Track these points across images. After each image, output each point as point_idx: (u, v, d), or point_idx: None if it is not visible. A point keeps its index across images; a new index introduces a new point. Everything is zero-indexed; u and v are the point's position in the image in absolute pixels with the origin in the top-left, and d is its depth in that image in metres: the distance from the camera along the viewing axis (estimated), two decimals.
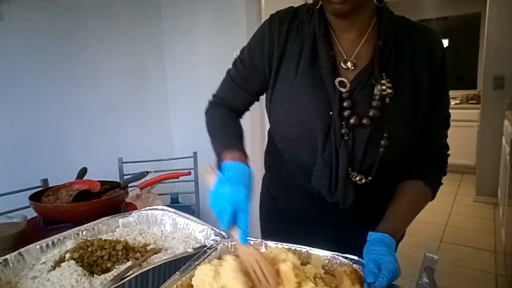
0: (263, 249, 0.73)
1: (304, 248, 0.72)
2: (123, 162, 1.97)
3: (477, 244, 2.72)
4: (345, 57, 0.77)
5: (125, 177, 1.80)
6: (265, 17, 1.93)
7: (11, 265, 0.71)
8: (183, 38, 2.44)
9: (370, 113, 0.72)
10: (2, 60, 1.66)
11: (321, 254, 0.70)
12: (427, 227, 3.05)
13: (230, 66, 0.91)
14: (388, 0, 0.77)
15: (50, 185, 1.36)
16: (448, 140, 0.86)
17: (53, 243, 0.79)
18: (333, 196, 0.78)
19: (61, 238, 0.81)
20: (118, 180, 1.38)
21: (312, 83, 0.76)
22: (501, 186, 3.07)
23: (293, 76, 0.78)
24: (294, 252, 0.71)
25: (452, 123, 0.85)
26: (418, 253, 0.83)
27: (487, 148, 3.52)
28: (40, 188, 1.31)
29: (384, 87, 0.71)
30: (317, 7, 0.77)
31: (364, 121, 0.73)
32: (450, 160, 0.86)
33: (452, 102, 4.80)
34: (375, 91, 0.72)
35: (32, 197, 1.14)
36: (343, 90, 0.73)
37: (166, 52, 2.53)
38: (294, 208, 0.88)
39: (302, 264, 0.67)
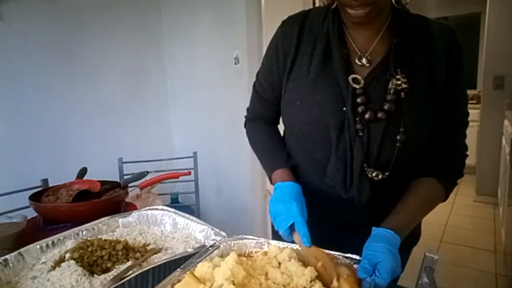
0: (265, 248, 0.73)
1: None
2: (123, 162, 1.97)
3: (477, 244, 2.72)
4: (359, 53, 0.76)
5: (125, 177, 1.80)
6: (265, 17, 1.96)
7: (11, 265, 0.71)
8: (183, 38, 2.44)
9: (385, 107, 0.71)
10: (2, 60, 1.66)
11: None
12: (427, 227, 3.01)
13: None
14: None
15: (50, 185, 1.36)
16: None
17: (53, 243, 0.79)
18: (348, 192, 0.77)
19: (61, 238, 0.81)
20: (118, 180, 1.38)
21: (325, 80, 0.76)
22: (501, 186, 3.07)
23: (306, 75, 0.78)
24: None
25: None
26: (418, 253, 0.83)
27: (487, 148, 3.52)
28: (40, 188, 1.31)
29: (399, 82, 0.71)
30: (333, 7, 0.77)
31: (379, 115, 0.72)
32: None
33: None
34: (390, 85, 0.71)
35: (32, 197, 1.14)
36: (356, 86, 0.73)
37: (166, 52, 2.53)
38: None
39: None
